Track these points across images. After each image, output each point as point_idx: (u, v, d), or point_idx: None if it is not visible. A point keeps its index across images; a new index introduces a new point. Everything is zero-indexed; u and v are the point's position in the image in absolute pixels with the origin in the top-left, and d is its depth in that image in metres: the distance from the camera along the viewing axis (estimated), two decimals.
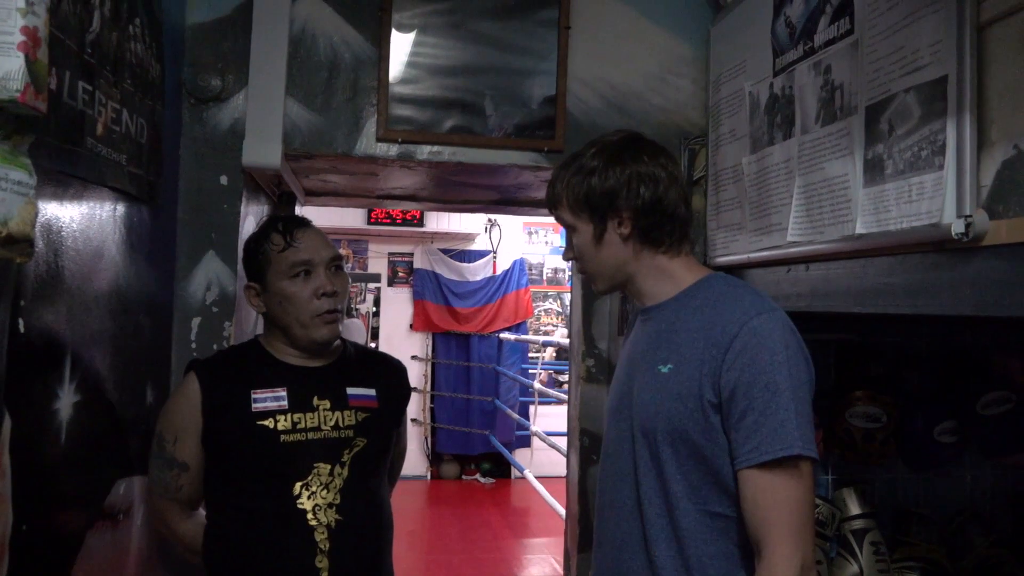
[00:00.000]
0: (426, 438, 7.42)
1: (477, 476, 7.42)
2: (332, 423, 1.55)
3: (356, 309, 7.44)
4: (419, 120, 2.17)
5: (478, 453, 7.38)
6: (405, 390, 1.75)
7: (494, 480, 7.38)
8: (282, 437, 1.51)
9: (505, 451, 6.90)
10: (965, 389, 2.17)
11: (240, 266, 2.06)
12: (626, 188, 1.30)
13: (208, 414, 1.52)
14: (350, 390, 1.60)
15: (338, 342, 1.66)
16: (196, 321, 2.01)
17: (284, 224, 1.60)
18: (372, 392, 1.63)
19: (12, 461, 1.10)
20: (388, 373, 1.72)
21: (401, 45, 2.16)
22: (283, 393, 1.54)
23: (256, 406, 1.52)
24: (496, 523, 6.09)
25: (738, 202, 2.01)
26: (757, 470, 1.16)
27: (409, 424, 7.08)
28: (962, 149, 1.22)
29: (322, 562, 1.47)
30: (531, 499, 6.48)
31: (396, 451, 1.75)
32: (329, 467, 1.52)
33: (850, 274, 1.53)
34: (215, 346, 1.98)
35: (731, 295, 1.27)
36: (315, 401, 1.55)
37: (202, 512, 1.62)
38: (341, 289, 1.58)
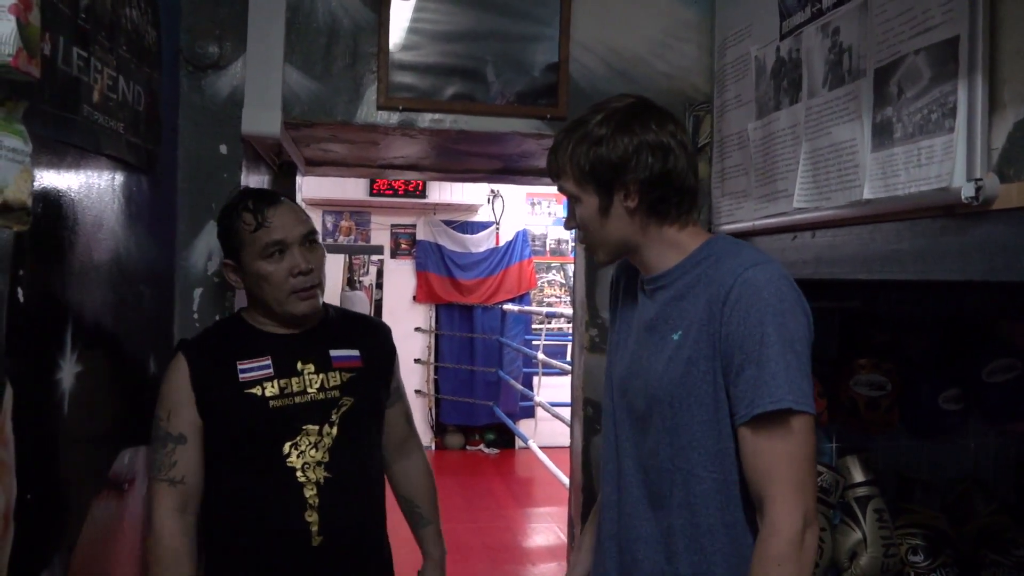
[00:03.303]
0: (430, 409, 7.45)
1: (481, 446, 7.46)
2: (317, 385, 1.58)
3: (359, 282, 7.44)
4: (420, 87, 2.14)
5: (482, 424, 7.42)
6: (389, 349, 1.75)
7: (498, 450, 7.42)
8: (271, 403, 1.54)
9: (509, 421, 6.94)
10: (970, 356, 2.16)
11: None
12: (635, 159, 1.24)
13: (198, 388, 1.55)
14: (333, 352, 1.62)
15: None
16: (198, 291, 2.00)
17: (255, 203, 1.59)
18: (355, 352, 1.65)
19: (15, 430, 1.10)
20: (370, 333, 1.73)
21: (401, 10, 2.12)
22: (267, 361, 1.57)
23: (243, 376, 1.55)
24: (500, 493, 6.14)
25: (743, 169, 1.99)
26: (751, 425, 1.15)
27: (413, 395, 7.13)
28: (973, 111, 1.20)
29: (312, 517, 1.51)
30: (535, 469, 6.53)
31: (401, 410, 1.76)
32: (318, 427, 1.55)
33: (857, 240, 1.51)
34: (217, 316, 1.98)
35: (730, 252, 1.25)
36: (299, 366, 1.58)
37: (191, 526, 1.55)
38: (316, 265, 1.59)
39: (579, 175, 1.29)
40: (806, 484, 1.15)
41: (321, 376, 1.58)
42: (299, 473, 1.51)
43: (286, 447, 1.52)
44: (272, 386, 1.55)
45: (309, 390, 1.57)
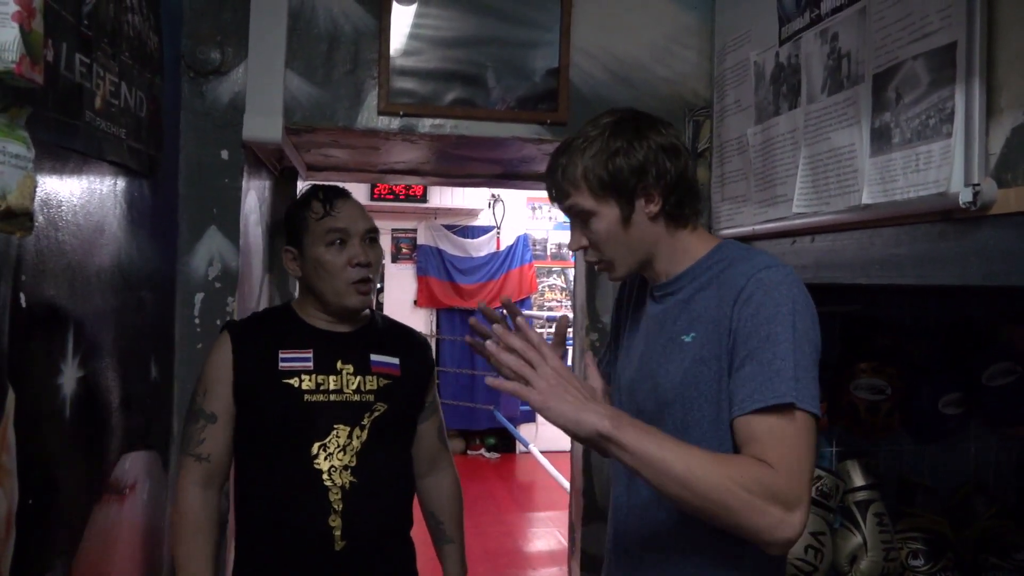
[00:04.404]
0: None
1: (482, 451, 7.46)
2: (354, 387, 1.59)
3: None
4: (421, 93, 2.15)
5: (483, 428, 7.41)
6: (428, 364, 1.77)
7: (499, 455, 7.42)
8: (305, 396, 1.55)
9: (510, 426, 6.93)
10: (971, 360, 2.17)
11: (242, 241, 2.06)
12: (654, 164, 1.25)
13: (238, 369, 1.57)
14: (374, 357, 1.64)
15: (366, 311, 1.70)
16: (199, 296, 2.01)
17: (325, 193, 1.64)
18: (395, 361, 1.66)
19: (17, 435, 1.10)
20: (412, 347, 1.74)
21: (402, 16, 2.13)
22: (309, 355, 1.58)
23: (283, 365, 1.56)
24: (501, 497, 6.13)
25: (743, 174, 2.00)
26: (749, 417, 1.12)
27: None
28: (971, 117, 1.21)
29: (335, 521, 1.51)
30: (536, 473, 6.52)
31: (434, 424, 1.77)
32: (348, 429, 1.56)
33: (856, 245, 1.52)
34: (218, 322, 1.98)
35: (742, 256, 1.25)
36: (339, 365, 1.60)
37: (213, 501, 1.58)
38: (375, 260, 1.63)
39: (598, 188, 1.26)
40: (806, 472, 1.09)
41: (359, 378, 1.60)
42: (325, 476, 1.52)
43: (315, 447, 1.53)
44: (309, 380, 1.56)
45: (345, 390, 1.58)
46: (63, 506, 1.31)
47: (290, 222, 1.66)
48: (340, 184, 1.72)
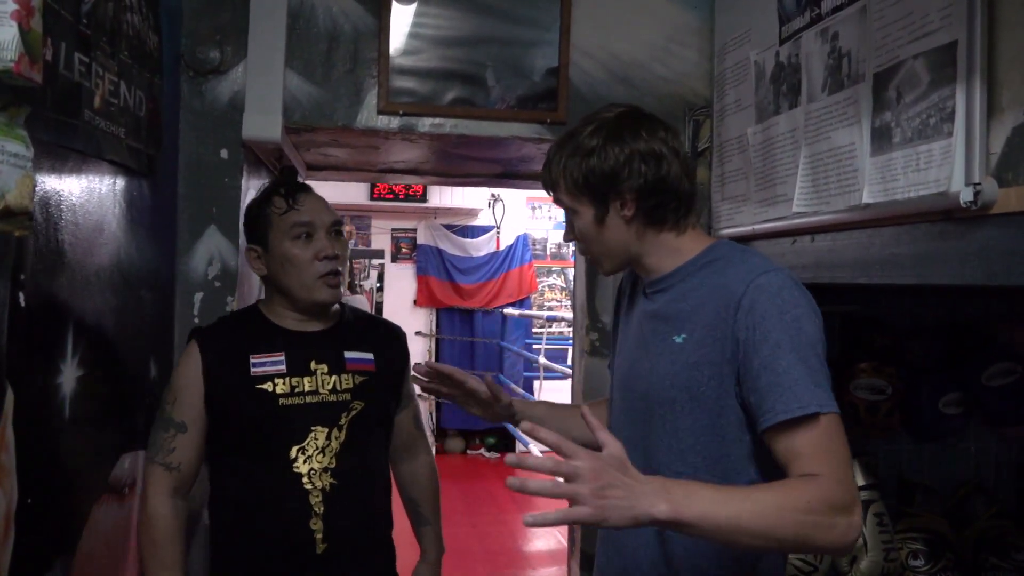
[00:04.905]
0: (431, 413, 7.45)
1: (482, 450, 7.46)
2: (330, 387, 1.57)
3: (360, 285, 7.44)
4: (420, 92, 2.15)
5: (483, 428, 7.41)
6: (404, 356, 1.76)
7: (499, 454, 7.41)
8: (280, 400, 1.53)
9: (509, 426, 6.91)
10: (971, 360, 2.16)
11: (242, 240, 2.06)
12: (627, 168, 1.24)
13: (209, 378, 1.55)
14: (348, 354, 1.62)
15: (336, 307, 1.68)
16: (199, 296, 2.01)
17: (287, 188, 1.62)
18: (370, 356, 1.65)
19: (16, 435, 1.10)
20: (387, 338, 1.73)
21: (401, 16, 2.13)
22: (281, 358, 1.56)
23: (255, 370, 1.54)
24: (501, 497, 6.13)
25: (743, 173, 1.99)
26: (779, 430, 1.12)
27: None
28: (971, 116, 1.20)
29: (316, 524, 1.50)
30: (535, 473, 6.50)
31: (410, 414, 1.78)
32: (326, 431, 1.54)
33: (856, 245, 1.52)
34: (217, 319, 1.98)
35: (737, 258, 1.25)
36: (313, 365, 1.58)
37: (182, 509, 1.56)
38: (342, 252, 1.61)
39: (573, 187, 1.28)
40: (850, 472, 1.11)
41: (334, 378, 1.58)
42: (305, 480, 1.51)
43: (293, 451, 1.51)
44: (283, 383, 1.54)
45: (321, 391, 1.56)
46: (62, 506, 1.31)
47: (252, 220, 1.63)
48: (307, 181, 1.71)
